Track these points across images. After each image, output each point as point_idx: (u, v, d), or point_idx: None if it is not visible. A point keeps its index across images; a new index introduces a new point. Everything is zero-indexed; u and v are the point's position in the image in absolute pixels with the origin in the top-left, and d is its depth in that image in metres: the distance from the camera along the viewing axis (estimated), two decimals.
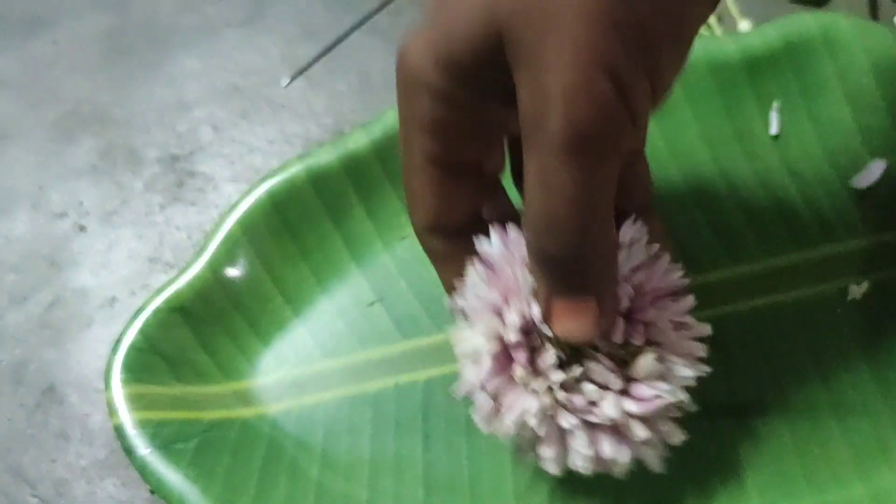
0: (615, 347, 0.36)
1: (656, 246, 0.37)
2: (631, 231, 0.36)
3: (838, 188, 0.45)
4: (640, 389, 0.35)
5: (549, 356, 0.35)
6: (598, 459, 0.36)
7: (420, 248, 0.45)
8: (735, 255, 0.45)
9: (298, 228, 0.48)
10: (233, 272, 0.47)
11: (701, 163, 0.46)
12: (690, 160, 0.46)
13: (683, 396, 0.36)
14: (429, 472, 0.42)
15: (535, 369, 0.35)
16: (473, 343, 0.36)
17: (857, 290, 0.43)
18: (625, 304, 0.35)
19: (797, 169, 0.46)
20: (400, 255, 0.47)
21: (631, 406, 0.35)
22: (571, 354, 0.35)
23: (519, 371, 0.35)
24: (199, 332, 0.46)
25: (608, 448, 0.35)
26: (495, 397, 0.36)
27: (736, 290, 0.44)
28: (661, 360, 0.36)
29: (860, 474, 0.40)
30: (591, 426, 0.36)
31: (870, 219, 0.45)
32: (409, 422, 0.44)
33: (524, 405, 0.36)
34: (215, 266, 0.46)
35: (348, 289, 0.47)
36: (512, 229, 0.35)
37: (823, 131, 0.46)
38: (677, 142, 0.47)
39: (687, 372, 0.36)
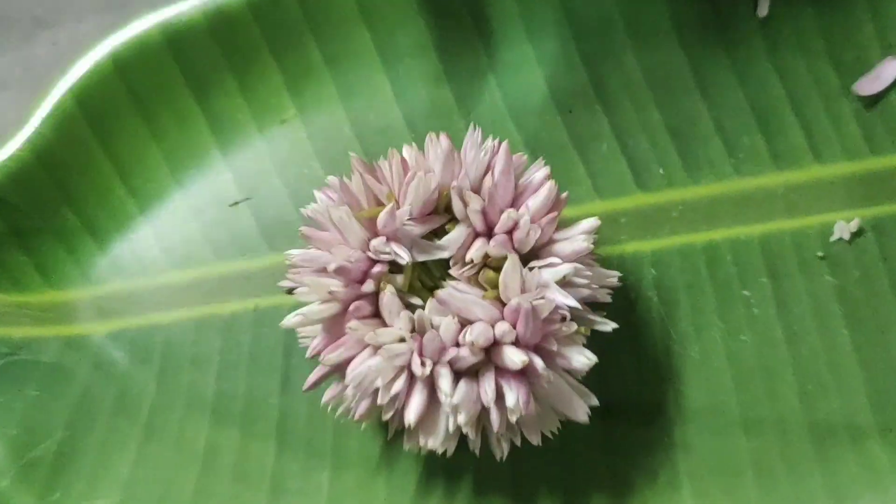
0: (475, 270, 0.30)
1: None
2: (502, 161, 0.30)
3: (838, 93, 0.35)
4: (508, 308, 0.28)
5: (389, 297, 0.27)
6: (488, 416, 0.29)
7: (304, 136, 0.35)
8: (696, 171, 0.35)
9: (150, 102, 0.37)
10: (63, 155, 0.37)
11: (667, 49, 0.36)
12: (653, 45, 0.36)
13: (566, 300, 0.28)
14: (285, 424, 0.34)
15: (377, 321, 0.29)
16: (303, 316, 0.30)
17: (846, 229, 0.33)
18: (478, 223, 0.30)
19: (787, 64, 0.35)
20: (278, 143, 0.37)
21: (502, 327, 0.27)
22: (422, 291, 0.30)
23: (353, 324, 0.27)
24: (18, 227, 0.36)
25: (488, 386, 0.27)
26: (340, 372, 0.29)
27: (691, 217, 0.34)
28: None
29: (820, 461, 0.31)
30: (471, 378, 0.28)
31: (874, 136, 0.34)
32: (267, 357, 0.35)
33: (366, 365, 0.27)
34: (39, 146, 0.36)
35: (208, 183, 0.37)
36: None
37: (825, 15, 0.35)
38: (639, 21, 0.36)
39: (568, 268, 0.29)
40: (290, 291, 0.32)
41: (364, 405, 0.29)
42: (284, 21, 0.37)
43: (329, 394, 0.30)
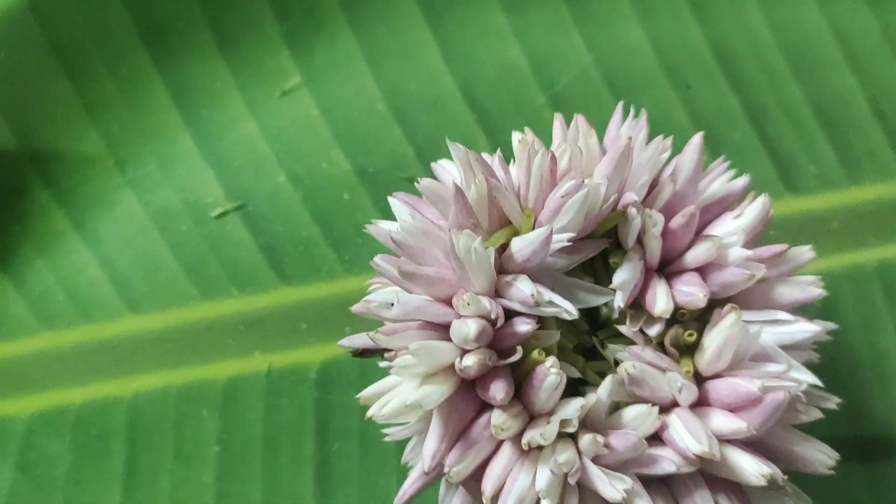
0: (660, 330, 0.20)
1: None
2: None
3: None
4: (727, 384, 0.19)
5: (553, 377, 0.18)
6: None
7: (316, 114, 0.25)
8: (856, 166, 0.27)
9: (83, 62, 0.25)
10: None
11: (801, 16, 0.28)
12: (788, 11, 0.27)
13: (807, 377, 0.19)
14: None
15: (527, 408, 0.19)
16: (400, 398, 0.19)
17: None
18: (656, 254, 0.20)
19: None
20: (277, 123, 0.26)
21: (722, 425, 0.18)
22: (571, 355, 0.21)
23: (500, 419, 0.17)
24: None
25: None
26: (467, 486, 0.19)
27: (857, 229, 0.26)
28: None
29: None
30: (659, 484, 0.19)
31: None
32: (291, 440, 0.24)
33: (523, 484, 0.17)
34: None
35: (178, 182, 0.26)
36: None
37: None
38: None
39: (808, 330, 0.20)
40: (360, 353, 0.21)
41: None
42: None
43: None
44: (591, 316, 0.21)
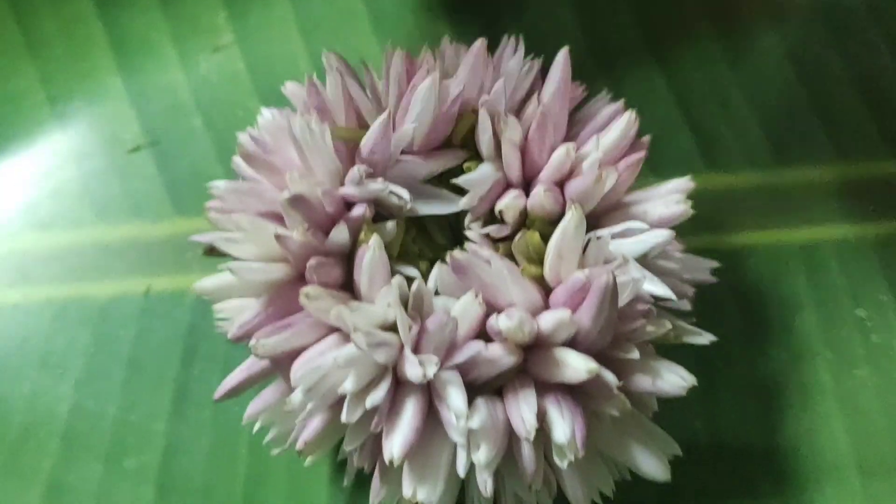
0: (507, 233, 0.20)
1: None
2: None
3: None
4: (564, 283, 0.18)
5: (375, 253, 0.18)
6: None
7: (242, 68, 0.26)
8: (785, 149, 0.26)
9: (36, 2, 0.27)
10: None
11: None
12: None
13: (656, 287, 0.18)
14: (172, 462, 0.22)
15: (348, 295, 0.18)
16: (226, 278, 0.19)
17: None
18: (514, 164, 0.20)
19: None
20: (204, 75, 0.27)
21: (557, 316, 0.17)
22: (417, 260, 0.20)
23: (311, 289, 0.16)
24: None
25: (526, 406, 0.17)
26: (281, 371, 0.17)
27: (781, 208, 0.25)
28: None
29: None
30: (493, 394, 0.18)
31: None
32: (156, 361, 0.23)
33: (328, 357, 0.16)
34: None
35: (100, 118, 0.26)
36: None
37: None
38: None
39: (659, 236, 0.18)
40: (211, 250, 0.21)
41: (316, 424, 0.18)
42: None
43: (258, 404, 0.19)
44: (457, 235, 0.21)
